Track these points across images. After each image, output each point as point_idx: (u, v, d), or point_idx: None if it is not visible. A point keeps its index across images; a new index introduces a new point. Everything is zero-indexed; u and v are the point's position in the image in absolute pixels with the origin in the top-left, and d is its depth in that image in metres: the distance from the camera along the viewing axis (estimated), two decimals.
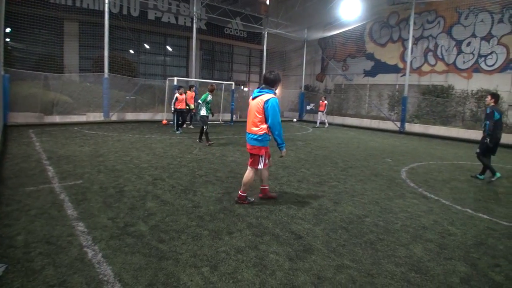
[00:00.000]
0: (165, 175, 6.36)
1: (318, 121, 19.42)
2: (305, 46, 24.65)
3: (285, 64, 27.81)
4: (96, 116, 15.97)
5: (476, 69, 17.25)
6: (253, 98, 4.70)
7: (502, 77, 16.25)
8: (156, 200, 4.86)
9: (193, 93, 14.67)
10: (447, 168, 8.63)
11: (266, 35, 23.15)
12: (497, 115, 7.02)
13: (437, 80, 18.58)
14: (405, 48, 19.44)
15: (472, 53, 17.39)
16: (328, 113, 20.15)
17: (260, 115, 4.59)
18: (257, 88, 4.74)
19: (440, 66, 18.69)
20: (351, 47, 23.11)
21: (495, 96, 7.29)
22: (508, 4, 15.80)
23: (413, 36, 18.16)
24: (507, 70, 16.16)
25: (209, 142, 10.08)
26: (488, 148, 7.20)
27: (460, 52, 17.84)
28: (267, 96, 4.55)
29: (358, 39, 22.49)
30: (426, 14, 19.00)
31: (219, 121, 19.45)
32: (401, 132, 17.97)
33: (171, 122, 15.82)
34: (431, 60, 19.09)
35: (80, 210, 4.33)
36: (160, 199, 4.94)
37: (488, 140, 7.07)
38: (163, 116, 17.25)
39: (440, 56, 18.69)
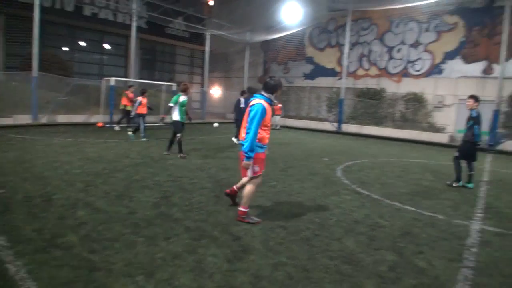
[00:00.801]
0: (98, 181, 6.01)
1: (276, 125, 19.11)
2: (247, 49, 24.86)
3: (228, 66, 27.82)
4: (24, 119, 14.65)
5: (405, 73, 18.76)
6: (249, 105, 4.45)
7: (428, 81, 17.87)
8: (88, 208, 4.58)
9: (132, 94, 14.10)
10: (379, 165, 9.23)
11: (209, 36, 22.95)
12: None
13: (371, 83, 19.86)
14: (342, 53, 20.45)
15: (401, 59, 18.86)
16: None
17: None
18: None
19: (373, 71, 20.00)
20: (292, 50, 23.82)
21: (478, 99, 6.83)
22: (433, 14, 17.41)
23: (349, 42, 19.23)
24: (432, 75, 17.79)
25: (182, 155, 8.60)
26: (471, 153, 6.92)
27: (391, 57, 19.24)
28: (255, 101, 4.30)
29: (298, 43, 23.27)
30: (361, 21, 20.22)
31: (159, 123, 18.77)
32: (338, 132, 18.92)
33: (107, 125, 15.03)
34: (365, 64, 20.35)
35: (1, 223, 3.93)
36: (92, 206, 4.65)
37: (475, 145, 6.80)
38: (99, 118, 16.31)
39: (374, 61, 19.99)
